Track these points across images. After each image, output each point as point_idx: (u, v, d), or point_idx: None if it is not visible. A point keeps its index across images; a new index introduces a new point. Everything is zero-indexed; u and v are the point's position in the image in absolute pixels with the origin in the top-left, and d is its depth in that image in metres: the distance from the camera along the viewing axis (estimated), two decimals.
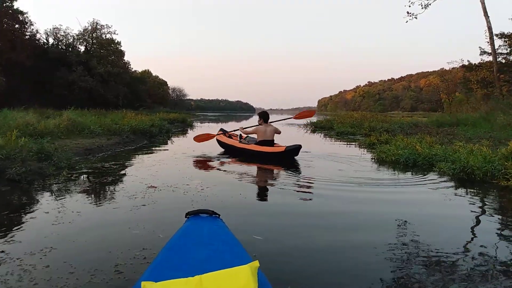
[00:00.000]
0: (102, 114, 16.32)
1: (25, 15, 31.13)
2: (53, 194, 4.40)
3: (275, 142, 8.04)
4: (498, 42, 21.54)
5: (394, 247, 2.80)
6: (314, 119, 24.22)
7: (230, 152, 8.40)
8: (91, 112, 16.53)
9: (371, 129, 14.85)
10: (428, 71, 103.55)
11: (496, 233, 3.23)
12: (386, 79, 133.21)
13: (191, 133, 16.37)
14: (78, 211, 3.62)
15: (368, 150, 9.32)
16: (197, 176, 5.67)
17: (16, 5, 30.23)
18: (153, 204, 3.93)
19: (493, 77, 20.64)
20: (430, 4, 21.01)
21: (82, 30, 38.36)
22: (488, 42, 19.98)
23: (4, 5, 28.79)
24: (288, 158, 7.42)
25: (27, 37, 32.07)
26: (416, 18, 21.35)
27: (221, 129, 9.48)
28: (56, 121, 10.13)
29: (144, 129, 12.47)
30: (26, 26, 31.98)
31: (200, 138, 9.19)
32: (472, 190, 4.89)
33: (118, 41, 40.18)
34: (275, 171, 6.61)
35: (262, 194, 4.88)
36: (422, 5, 21.11)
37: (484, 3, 18.86)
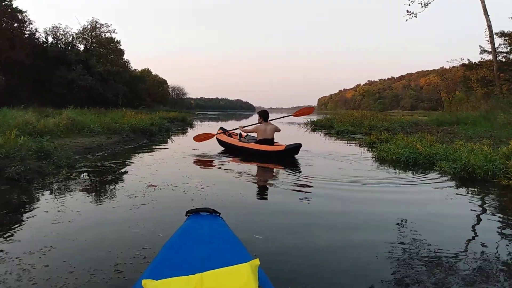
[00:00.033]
0: (101, 113, 16.30)
1: (24, 14, 31.16)
2: (53, 193, 4.38)
3: (275, 140, 8.03)
4: (498, 40, 21.58)
5: (394, 246, 2.79)
6: (314, 117, 24.22)
7: (230, 151, 8.38)
8: (90, 111, 16.50)
9: (371, 128, 14.84)
10: (428, 70, 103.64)
11: (497, 232, 3.22)
12: (386, 78, 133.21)
13: (191, 132, 16.36)
14: (77, 210, 3.60)
15: (368, 149, 9.30)
16: (197, 175, 5.65)
17: (15, 3, 30.27)
18: (153, 203, 3.92)
19: (493, 76, 20.63)
20: (430, 3, 21.00)
21: (81, 29, 38.42)
22: (488, 41, 19.97)
23: (3, 3, 28.76)
24: (288, 157, 7.41)
25: (26, 36, 32.05)
26: (416, 16, 21.35)
27: (221, 128, 9.47)
28: (55, 120, 10.11)
29: (144, 128, 12.46)
30: (25, 25, 31.99)
31: (199, 138, 9.17)
32: (473, 189, 4.88)
33: (117, 40, 40.28)
34: (275, 170, 6.60)
35: (262, 193, 4.86)
36: (422, 3, 21.10)
37: (484, 1, 18.83)
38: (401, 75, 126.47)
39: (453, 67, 35.71)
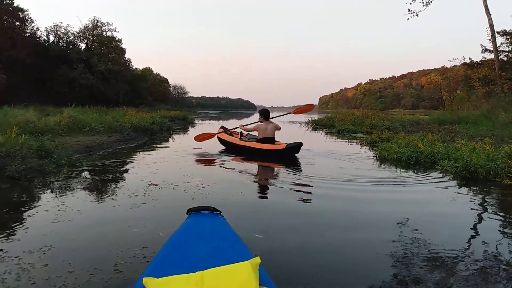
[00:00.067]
0: (103, 112, 16.32)
1: (25, 13, 31.13)
2: (53, 191, 4.38)
3: (276, 139, 8.02)
4: (499, 39, 21.50)
5: (395, 246, 2.78)
6: (315, 116, 24.20)
7: (231, 149, 8.37)
8: (91, 110, 16.51)
9: (373, 127, 14.83)
10: (429, 69, 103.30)
11: (499, 231, 3.21)
12: (387, 77, 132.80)
13: (192, 131, 16.36)
14: (78, 209, 3.59)
15: (369, 148, 9.29)
16: (198, 174, 5.64)
17: (16, 2, 30.26)
18: (153, 202, 3.91)
19: (494, 75, 20.58)
20: (431, 1, 20.97)
21: (82, 28, 38.35)
22: (489, 40, 19.96)
23: (5, 2, 28.77)
24: (289, 156, 7.39)
25: (27, 34, 32.04)
26: (417, 15, 21.35)
27: (222, 127, 9.46)
28: (56, 118, 10.12)
29: (145, 127, 12.46)
30: (27, 24, 31.96)
31: (200, 138, 9.16)
32: (475, 189, 4.86)
33: (119, 39, 40.17)
34: (276, 169, 6.58)
35: (263, 192, 4.85)
36: (423, 2, 21.07)
37: (486, 0, 18.78)
38: (402, 74, 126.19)
39: (454, 66, 35.62)
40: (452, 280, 2.22)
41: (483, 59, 23.43)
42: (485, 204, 4.20)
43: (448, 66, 49.43)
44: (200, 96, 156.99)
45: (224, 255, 1.54)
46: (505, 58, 22.16)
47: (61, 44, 37.39)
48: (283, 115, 10.45)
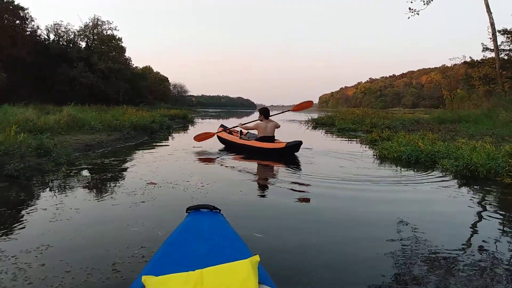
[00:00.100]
0: (102, 110, 16.32)
1: (26, 11, 31.07)
2: (52, 190, 4.36)
3: (275, 138, 8.00)
4: (500, 38, 21.49)
5: (395, 244, 2.76)
6: (315, 115, 24.19)
7: (231, 148, 8.36)
8: (91, 108, 16.51)
9: (373, 125, 14.81)
10: (429, 68, 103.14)
11: (500, 230, 3.19)
12: (388, 76, 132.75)
13: (192, 130, 16.35)
14: (76, 208, 3.58)
15: (369, 146, 9.27)
16: (197, 173, 5.63)
17: (16, 1, 30.18)
18: (152, 201, 3.89)
19: (495, 74, 20.55)
20: (432, 0, 20.93)
21: (83, 26, 38.29)
22: (490, 39, 19.93)
23: (5, 0, 28.72)
24: (288, 155, 7.38)
25: (28, 33, 31.97)
26: (418, 14, 21.32)
27: (222, 125, 9.44)
28: (56, 117, 10.10)
29: (145, 125, 12.45)
30: (27, 22, 31.89)
31: (200, 138, 9.13)
32: (476, 188, 4.85)
33: (119, 37, 40.09)
34: (276, 167, 6.57)
35: (262, 191, 4.83)
36: (424, 0, 21.03)
37: None
38: (403, 73, 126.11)
39: (454, 65, 35.56)
40: (452, 279, 2.21)
41: (484, 58, 23.43)
42: (486, 203, 4.19)
43: (449, 65, 49.34)
44: (200, 94, 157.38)
45: (224, 253, 1.54)
46: (506, 57, 22.16)
47: (61, 43, 37.34)
48: (282, 112, 10.42)
